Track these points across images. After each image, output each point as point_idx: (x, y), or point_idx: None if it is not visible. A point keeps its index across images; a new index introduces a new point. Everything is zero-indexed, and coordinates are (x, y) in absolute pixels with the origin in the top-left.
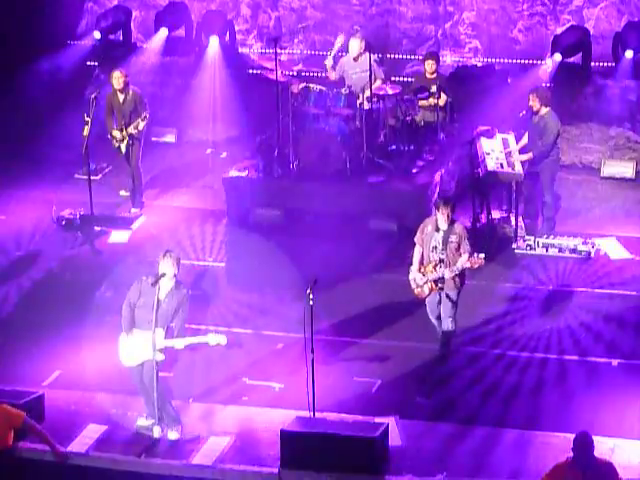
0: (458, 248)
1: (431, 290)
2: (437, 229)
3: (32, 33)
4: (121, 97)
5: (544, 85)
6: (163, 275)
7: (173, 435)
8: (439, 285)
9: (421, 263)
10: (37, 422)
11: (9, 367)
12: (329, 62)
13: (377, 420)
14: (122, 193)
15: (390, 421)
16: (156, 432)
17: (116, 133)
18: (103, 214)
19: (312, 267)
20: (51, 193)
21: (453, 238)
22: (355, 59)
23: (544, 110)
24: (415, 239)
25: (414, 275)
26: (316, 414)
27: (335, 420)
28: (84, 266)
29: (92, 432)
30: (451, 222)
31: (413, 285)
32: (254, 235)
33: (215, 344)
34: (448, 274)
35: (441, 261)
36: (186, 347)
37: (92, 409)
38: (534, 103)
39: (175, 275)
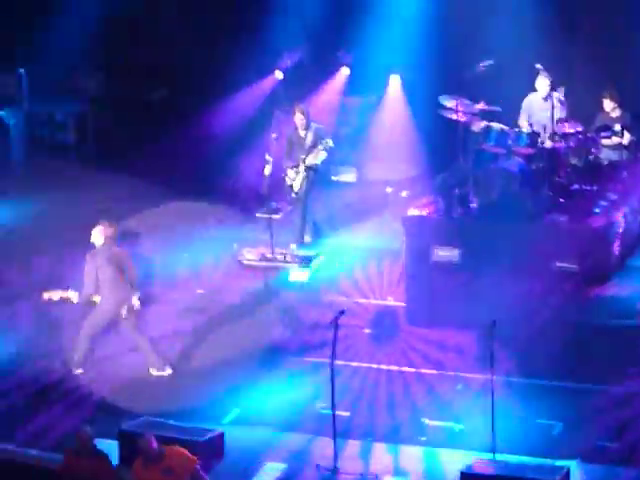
0: None
1: None
2: None
3: (224, 73)
4: (302, 133)
5: None
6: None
7: None
8: None
9: None
10: (217, 460)
11: (190, 404)
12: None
13: (558, 463)
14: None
15: (572, 465)
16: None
17: (291, 173)
18: (284, 252)
19: (492, 307)
20: (232, 231)
21: None
22: (544, 98)
23: None
24: None
25: None
26: (496, 456)
27: (516, 462)
28: (264, 304)
29: (271, 470)
30: None
31: None
32: (434, 274)
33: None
34: None
35: None
36: None
37: (271, 447)
38: None
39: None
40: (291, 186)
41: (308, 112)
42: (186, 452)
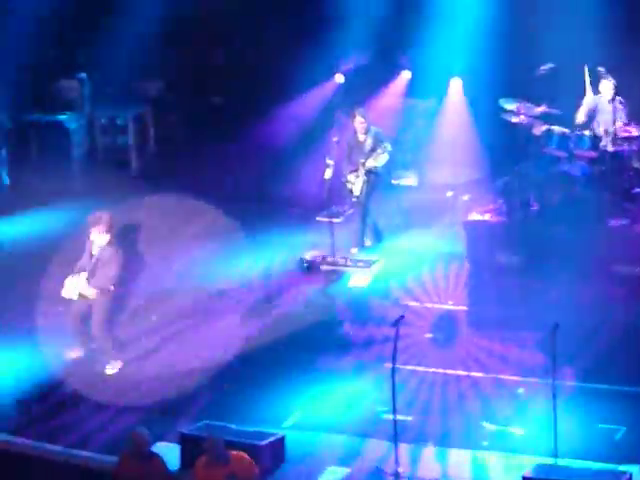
0: None
1: None
2: None
3: (285, 76)
4: (362, 137)
5: None
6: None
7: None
8: None
9: None
10: (278, 464)
11: (251, 408)
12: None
13: (621, 468)
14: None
15: (634, 469)
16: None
17: (351, 177)
18: (344, 256)
19: (553, 311)
20: (294, 236)
21: None
22: (608, 101)
23: None
24: None
25: None
26: (558, 460)
27: (577, 467)
28: (325, 307)
29: (332, 474)
30: None
31: None
32: (495, 278)
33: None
34: None
35: None
36: None
37: (333, 451)
38: None
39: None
40: (351, 190)
41: (367, 116)
42: (251, 460)
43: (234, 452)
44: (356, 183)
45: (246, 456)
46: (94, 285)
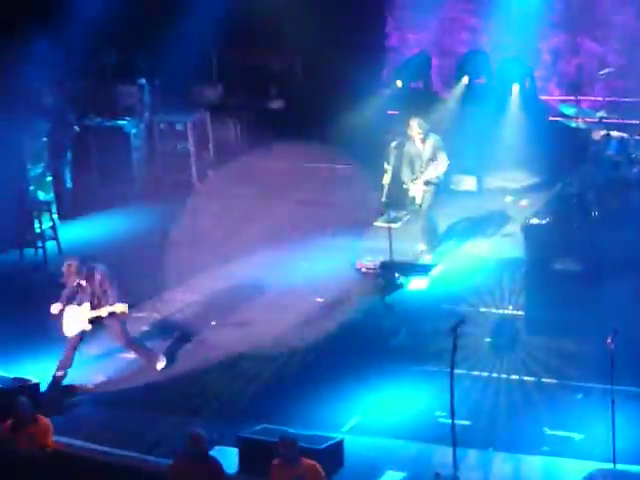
0: None
1: None
2: None
3: (342, 84)
4: (420, 146)
5: None
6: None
7: None
8: None
9: None
10: (336, 468)
11: (310, 412)
12: None
13: None
14: (420, 247)
15: None
16: None
17: (412, 185)
18: (403, 261)
19: (612, 316)
20: (351, 241)
21: None
22: None
23: None
24: None
25: None
26: (617, 466)
27: (636, 472)
28: (383, 312)
29: (391, 478)
30: None
31: None
32: (554, 283)
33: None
34: None
35: None
36: None
37: (391, 455)
38: None
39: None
40: (413, 197)
41: (425, 124)
42: (323, 472)
43: (308, 460)
44: (417, 191)
45: (318, 466)
46: (105, 304)
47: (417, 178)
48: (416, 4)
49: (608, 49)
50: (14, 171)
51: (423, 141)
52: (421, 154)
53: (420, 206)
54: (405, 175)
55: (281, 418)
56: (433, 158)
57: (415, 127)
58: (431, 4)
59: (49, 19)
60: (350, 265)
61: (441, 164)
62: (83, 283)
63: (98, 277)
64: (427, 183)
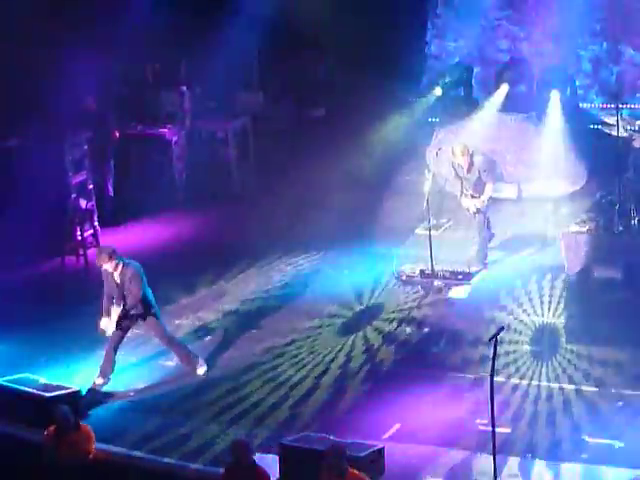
0: None
1: None
2: None
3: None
4: (467, 173)
5: None
6: None
7: None
8: None
9: None
10: (377, 475)
11: (350, 419)
12: None
13: None
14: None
15: None
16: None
17: (464, 200)
18: (443, 269)
19: None
20: (393, 248)
21: None
22: None
23: None
24: None
25: None
26: None
27: None
28: (424, 320)
29: None
30: None
31: None
32: (594, 291)
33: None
34: None
35: None
36: None
37: (431, 463)
38: None
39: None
40: (467, 209)
41: (469, 148)
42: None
43: (355, 471)
44: (469, 205)
45: (363, 476)
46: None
47: (465, 195)
48: (457, 12)
49: None
50: (56, 179)
51: (469, 169)
52: (469, 178)
53: (475, 215)
54: (454, 187)
55: (321, 426)
56: (479, 180)
57: (458, 155)
58: (472, 12)
59: (96, 27)
60: (391, 273)
61: (486, 191)
62: (109, 268)
63: (129, 274)
64: (477, 210)
